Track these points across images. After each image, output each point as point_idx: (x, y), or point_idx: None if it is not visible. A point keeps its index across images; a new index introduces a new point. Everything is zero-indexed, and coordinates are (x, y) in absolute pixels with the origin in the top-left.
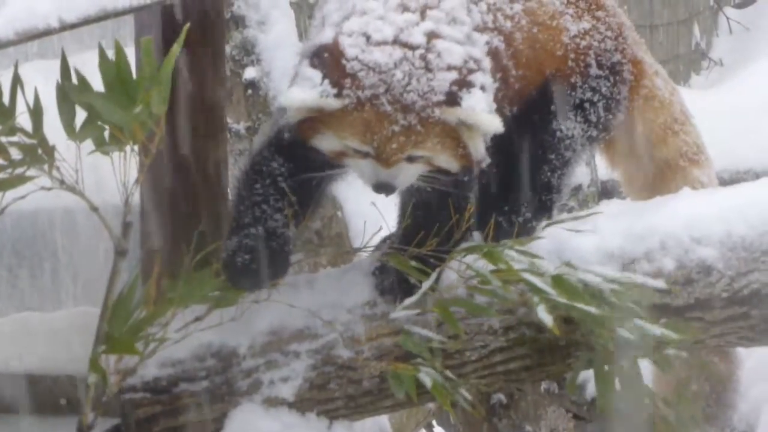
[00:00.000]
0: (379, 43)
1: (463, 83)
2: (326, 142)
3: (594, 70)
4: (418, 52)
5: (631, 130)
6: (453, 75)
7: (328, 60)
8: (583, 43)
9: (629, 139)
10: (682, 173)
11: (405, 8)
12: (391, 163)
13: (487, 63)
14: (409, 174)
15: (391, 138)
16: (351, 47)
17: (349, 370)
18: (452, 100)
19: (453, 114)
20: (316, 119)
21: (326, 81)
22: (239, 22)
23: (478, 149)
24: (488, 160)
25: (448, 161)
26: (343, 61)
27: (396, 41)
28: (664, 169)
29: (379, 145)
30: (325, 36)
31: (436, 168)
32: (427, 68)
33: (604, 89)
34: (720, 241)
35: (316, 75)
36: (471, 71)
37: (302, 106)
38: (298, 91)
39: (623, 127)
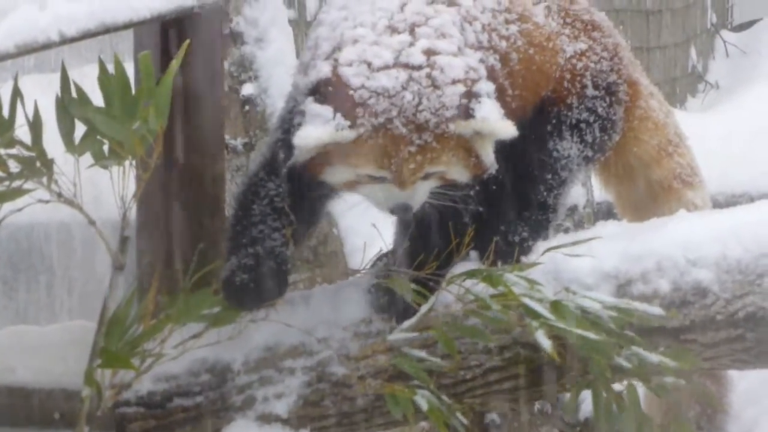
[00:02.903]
0: (381, 68)
1: (471, 94)
2: (338, 175)
3: (590, 91)
4: (423, 72)
5: (626, 151)
6: (460, 88)
7: (334, 93)
8: (580, 64)
9: (624, 160)
10: (676, 195)
11: (394, 30)
12: (408, 183)
13: (483, 71)
14: (423, 191)
15: (408, 159)
16: (355, 77)
17: (344, 388)
18: (465, 112)
19: (468, 126)
20: (327, 154)
21: (338, 114)
22: (237, 38)
23: (489, 155)
24: (496, 165)
25: (461, 172)
26: (350, 92)
27: (397, 64)
28: (658, 191)
29: (397, 168)
30: (322, 71)
31: (448, 181)
32: (434, 85)
33: (600, 110)
34: (716, 263)
35: (326, 110)
36: (474, 81)
37: (318, 144)
38: (312, 129)
39: (618, 148)
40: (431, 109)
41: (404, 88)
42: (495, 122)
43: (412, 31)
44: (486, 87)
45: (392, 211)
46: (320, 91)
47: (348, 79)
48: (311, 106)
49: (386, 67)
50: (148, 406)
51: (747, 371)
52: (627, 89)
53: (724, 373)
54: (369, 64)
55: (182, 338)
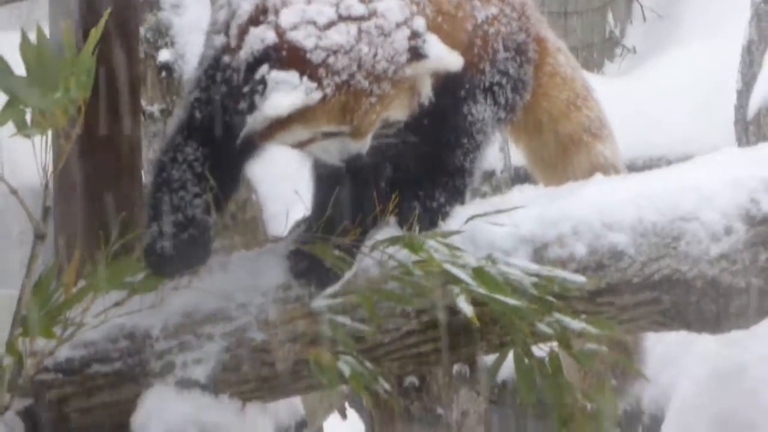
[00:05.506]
0: (328, 26)
1: (416, 34)
2: (294, 136)
3: (501, 54)
4: (370, 22)
5: (535, 107)
6: (405, 30)
7: (291, 58)
8: (491, 29)
9: (533, 116)
10: (585, 148)
11: None
12: (366, 134)
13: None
14: (370, 137)
15: (368, 110)
16: (306, 39)
17: (263, 353)
18: (417, 53)
19: (424, 66)
20: (288, 118)
21: (305, 78)
22: (154, 4)
23: (428, 87)
24: (431, 96)
25: (403, 112)
26: (307, 54)
27: (342, 18)
28: (568, 144)
29: (358, 121)
30: (267, 37)
31: (390, 123)
32: (384, 33)
33: (511, 71)
34: (631, 226)
35: (291, 76)
36: (410, 19)
37: (292, 111)
38: (282, 96)
39: (528, 105)
40: (387, 58)
41: (358, 42)
42: (447, 57)
43: None
44: (420, 22)
45: (345, 162)
46: (273, 58)
47: (299, 42)
48: (273, 73)
49: (333, 24)
50: (66, 372)
51: (664, 334)
52: (535, 47)
53: (636, 345)
54: (315, 23)
55: (104, 306)
